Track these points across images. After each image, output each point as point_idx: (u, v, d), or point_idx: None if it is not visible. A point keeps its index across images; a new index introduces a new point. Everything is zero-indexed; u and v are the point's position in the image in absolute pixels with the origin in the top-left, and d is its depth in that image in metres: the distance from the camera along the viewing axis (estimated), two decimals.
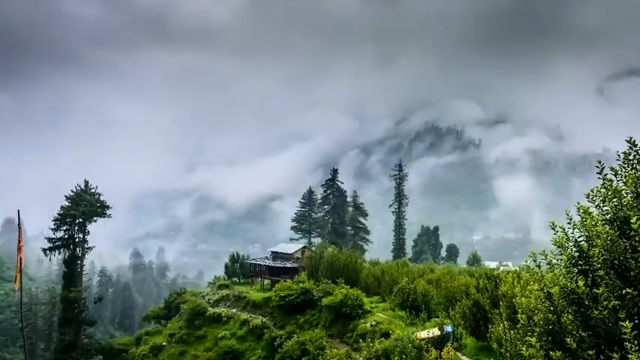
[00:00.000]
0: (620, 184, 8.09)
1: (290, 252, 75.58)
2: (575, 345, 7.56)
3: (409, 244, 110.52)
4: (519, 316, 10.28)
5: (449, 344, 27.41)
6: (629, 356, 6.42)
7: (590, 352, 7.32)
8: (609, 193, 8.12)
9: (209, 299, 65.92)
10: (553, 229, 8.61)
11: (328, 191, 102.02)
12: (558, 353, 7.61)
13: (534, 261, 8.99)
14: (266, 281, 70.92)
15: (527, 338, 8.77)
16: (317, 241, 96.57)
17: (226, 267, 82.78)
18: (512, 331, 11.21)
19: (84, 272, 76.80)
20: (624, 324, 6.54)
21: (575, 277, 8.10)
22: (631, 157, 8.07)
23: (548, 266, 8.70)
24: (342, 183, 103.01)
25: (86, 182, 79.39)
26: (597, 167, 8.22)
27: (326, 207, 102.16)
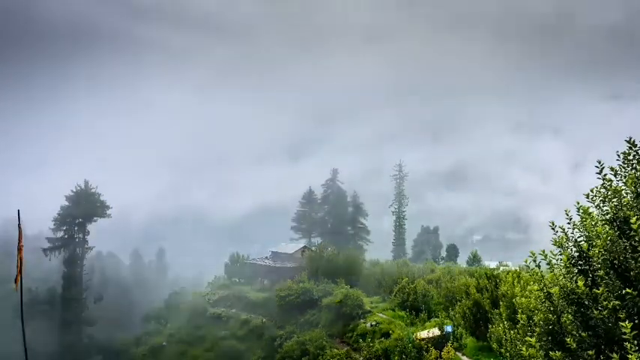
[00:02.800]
0: (620, 184, 8.08)
1: (290, 252, 75.59)
2: (575, 345, 7.55)
3: (409, 244, 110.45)
4: (519, 316, 10.28)
5: (449, 344, 27.42)
6: (629, 356, 6.42)
7: (590, 352, 7.31)
8: (609, 193, 8.12)
9: (209, 299, 65.93)
10: (553, 229, 8.61)
11: (328, 191, 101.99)
12: (558, 353, 7.61)
13: (534, 261, 8.99)
14: (266, 281, 70.90)
15: (527, 338, 8.77)
16: (317, 241, 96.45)
17: (226, 267, 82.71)
18: (512, 331, 11.22)
19: (84, 272, 76.76)
20: (624, 324, 6.54)
21: (575, 277, 8.09)
22: (631, 157, 8.07)
23: (548, 266, 8.70)
24: (342, 183, 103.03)
25: (86, 182, 79.43)
26: (597, 167, 8.21)
27: (326, 207, 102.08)
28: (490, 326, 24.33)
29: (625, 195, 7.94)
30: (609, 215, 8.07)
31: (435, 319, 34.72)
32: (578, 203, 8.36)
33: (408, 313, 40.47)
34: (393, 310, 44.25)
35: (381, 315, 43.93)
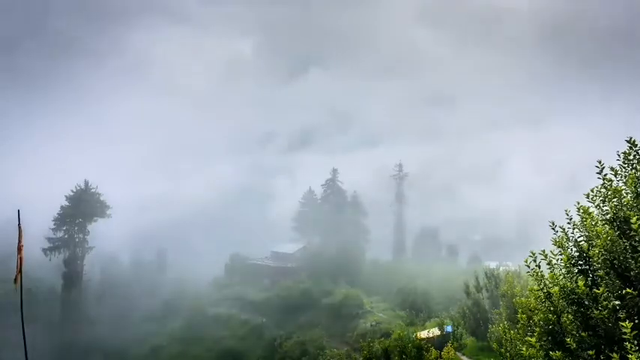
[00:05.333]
0: (620, 184, 8.08)
1: (290, 252, 75.67)
2: (575, 345, 7.55)
3: (409, 244, 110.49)
4: (519, 316, 10.28)
5: (449, 344, 27.40)
6: (629, 356, 6.42)
7: (590, 352, 7.30)
8: (609, 193, 8.12)
9: (209, 299, 65.98)
10: (553, 229, 8.61)
11: (328, 191, 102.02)
12: (558, 353, 7.60)
13: (534, 261, 8.98)
14: (266, 281, 70.96)
15: (527, 338, 8.77)
16: (317, 241, 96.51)
17: (226, 267, 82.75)
18: (512, 331, 11.22)
19: (84, 272, 76.81)
20: (624, 324, 6.53)
21: (575, 277, 8.10)
22: (631, 157, 8.07)
23: (548, 266, 8.70)
24: (341, 183, 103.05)
25: (86, 182, 79.39)
26: (597, 167, 8.21)
27: (326, 207, 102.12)
28: (490, 326, 24.36)
29: (625, 195, 7.94)
30: (609, 215, 8.07)
31: (435, 319, 34.74)
32: (578, 203, 8.36)
33: (407, 313, 40.50)
34: (393, 310, 44.28)
35: (381, 315, 43.95)
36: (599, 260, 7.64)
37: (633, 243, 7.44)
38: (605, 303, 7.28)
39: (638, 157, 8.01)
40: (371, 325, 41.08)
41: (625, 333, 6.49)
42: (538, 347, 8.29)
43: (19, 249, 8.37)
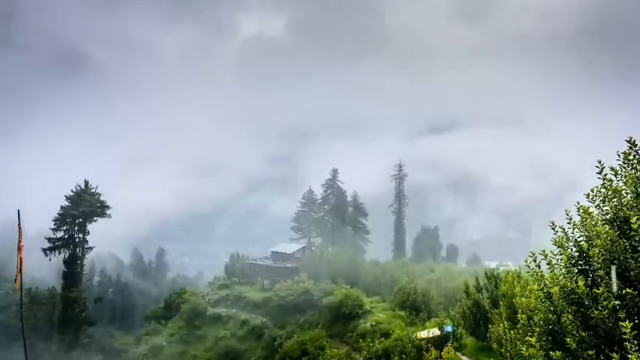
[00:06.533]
0: (620, 184, 8.08)
1: (290, 252, 75.66)
2: (575, 345, 7.56)
3: (409, 244, 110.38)
4: (519, 316, 10.29)
5: (449, 344, 27.39)
6: (629, 356, 6.42)
7: (590, 352, 7.31)
8: (609, 193, 8.12)
9: (209, 299, 65.92)
10: (553, 229, 8.62)
11: (328, 191, 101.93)
12: (558, 353, 7.61)
13: (534, 261, 8.99)
14: (266, 281, 70.89)
15: (527, 338, 8.77)
16: (317, 241, 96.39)
17: (226, 267, 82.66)
18: (512, 331, 11.23)
19: (84, 272, 76.74)
20: (624, 324, 6.53)
21: (575, 277, 8.10)
22: (631, 157, 8.07)
23: (548, 266, 8.70)
24: (342, 183, 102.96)
25: (86, 182, 79.30)
26: (597, 167, 8.21)
27: (326, 207, 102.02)
28: (490, 326, 24.36)
29: (625, 195, 7.94)
30: (609, 215, 8.08)
31: (435, 319, 34.76)
32: (578, 203, 8.36)
33: (407, 313, 40.48)
34: (393, 310, 44.26)
35: (381, 315, 43.94)
36: (599, 260, 7.64)
37: (633, 243, 7.44)
38: (605, 303, 7.28)
39: (638, 157, 8.01)
40: (371, 325, 41.07)
41: (625, 333, 6.49)
42: (538, 347, 8.29)
43: (19, 249, 8.37)
